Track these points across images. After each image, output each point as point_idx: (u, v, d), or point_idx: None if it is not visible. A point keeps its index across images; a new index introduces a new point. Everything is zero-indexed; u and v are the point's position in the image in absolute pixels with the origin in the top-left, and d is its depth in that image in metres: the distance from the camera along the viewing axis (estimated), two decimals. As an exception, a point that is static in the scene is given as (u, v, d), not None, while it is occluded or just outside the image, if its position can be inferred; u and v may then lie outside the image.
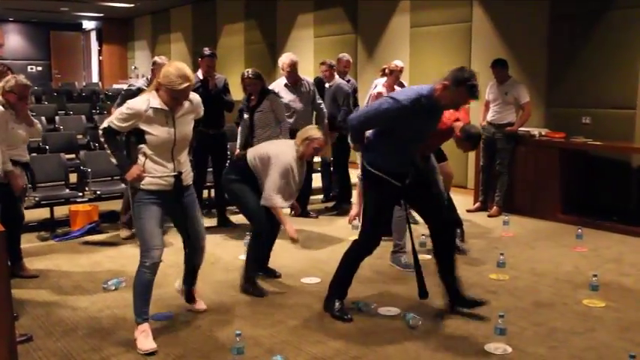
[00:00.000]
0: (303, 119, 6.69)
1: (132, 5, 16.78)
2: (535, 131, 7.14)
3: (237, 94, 6.71)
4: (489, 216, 7.09)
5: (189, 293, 4.14)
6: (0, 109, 4.57)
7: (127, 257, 5.43)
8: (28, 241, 5.72)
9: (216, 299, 4.37)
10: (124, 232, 6.02)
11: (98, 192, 6.38)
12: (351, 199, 7.33)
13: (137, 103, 3.52)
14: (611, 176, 6.98)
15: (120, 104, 4.31)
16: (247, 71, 6.05)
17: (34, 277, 4.90)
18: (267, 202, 4.38)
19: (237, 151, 6.42)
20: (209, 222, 6.40)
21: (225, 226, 6.54)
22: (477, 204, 7.43)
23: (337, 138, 7.06)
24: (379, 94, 6.86)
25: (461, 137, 4.90)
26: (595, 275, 4.66)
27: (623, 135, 6.84)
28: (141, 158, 3.59)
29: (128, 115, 3.50)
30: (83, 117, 10.77)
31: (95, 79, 21.65)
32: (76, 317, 4.11)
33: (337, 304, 4.07)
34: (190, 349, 3.61)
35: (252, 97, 6.10)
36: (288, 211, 4.46)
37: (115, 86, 17.48)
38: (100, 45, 21.15)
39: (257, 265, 4.59)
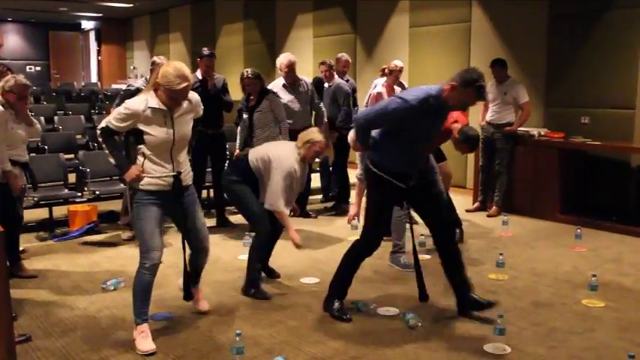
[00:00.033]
0: (302, 119, 6.69)
1: (131, 5, 16.77)
2: (534, 131, 7.14)
3: (236, 94, 6.71)
4: (488, 216, 7.09)
5: (193, 292, 4.10)
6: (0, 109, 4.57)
7: (125, 257, 5.43)
8: (26, 242, 5.72)
9: (216, 299, 4.36)
10: (126, 234, 6.00)
11: (97, 192, 6.38)
12: (349, 199, 7.33)
13: (135, 103, 3.50)
14: (611, 176, 6.98)
15: (119, 105, 4.30)
16: (247, 71, 6.05)
17: (33, 277, 4.90)
18: (271, 207, 4.36)
19: (237, 151, 6.42)
20: (208, 222, 6.31)
21: (224, 226, 6.54)
22: (476, 204, 7.43)
23: (337, 138, 7.05)
24: (379, 94, 6.86)
25: (459, 139, 4.90)
26: (594, 275, 4.66)
27: (622, 135, 6.85)
28: (139, 158, 3.57)
29: (126, 115, 3.48)
30: (82, 117, 10.77)
31: (94, 79, 21.64)
32: (74, 317, 4.10)
33: (337, 304, 4.07)
34: (190, 350, 3.61)
35: (252, 97, 6.10)
36: (287, 211, 4.44)
37: (114, 86, 17.47)
38: (99, 45, 21.14)
39: (260, 267, 4.58)
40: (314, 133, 4.56)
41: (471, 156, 7.68)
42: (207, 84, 6.24)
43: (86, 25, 21.71)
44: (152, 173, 3.56)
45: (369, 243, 4.03)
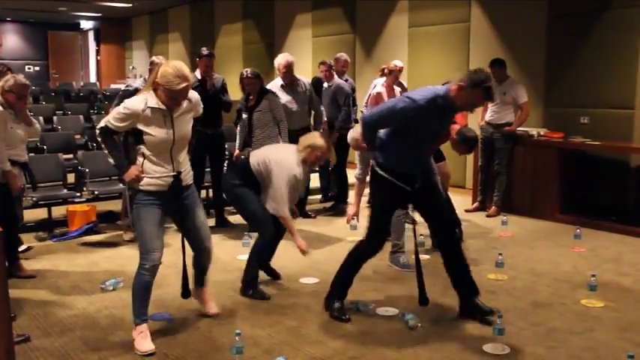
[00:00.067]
0: (300, 120, 6.69)
1: (130, 5, 16.76)
2: (533, 131, 7.14)
3: (235, 94, 6.70)
4: (488, 216, 7.09)
5: (200, 294, 4.09)
6: (-1, 109, 4.57)
7: (124, 257, 5.43)
8: (26, 242, 5.70)
9: (215, 300, 4.34)
10: (128, 235, 5.97)
11: (96, 192, 6.38)
12: (348, 199, 7.33)
13: (134, 103, 3.47)
14: (610, 176, 6.98)
15: (117, 105, 4.29)
16: (246, 71, 6.05)
17: (32, 277, 4.89)
18: (276, 212, 4.35)
19: (237, 151, 6.42)
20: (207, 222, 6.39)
21: (223, 226, 6.54)
22: (476, 204, 7.43)
23: (336, 138, 7.04)
24: (378, 94, 6.87)
25: (457, 140, 4.90)
26: (593, 275, 4.66)
27: (621, 135, 6.85)
28: (139, 159, 3.56)
29: (125, 114, 3.46)
30: (81, 117, 10.76)
31: (93, 79, 21.62)
32: (73, 317, 4.10)
33: (337, 304, 4.07)
34: (189, 350, 3.61)
35: (251, 97, 6.10)
36: (291, 216, 4.43)
37: (113, 86, 17.47)
38: (98, 45, 21.12)
39: (258, 269, 4.56)
40: (316, 138, 4.52)
41: (470, 156, 7.68)
42: (206, 84, 6.23)
43: (85, 24, 21.70)
44: (152, 173, 3.54)
45: (373, 244, 4.03)
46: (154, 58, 5.96)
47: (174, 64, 3.46)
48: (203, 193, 7.14)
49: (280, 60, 6.63)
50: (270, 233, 4.46)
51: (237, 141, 6.37)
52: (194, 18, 15.82)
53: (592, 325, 3.99)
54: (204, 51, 6.40)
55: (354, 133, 5.02)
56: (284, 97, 6.52)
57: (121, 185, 6.34)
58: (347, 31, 10.60)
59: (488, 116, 7.16)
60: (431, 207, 4.05)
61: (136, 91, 4.69)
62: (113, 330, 3.88)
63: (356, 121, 7.49)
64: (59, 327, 3.94)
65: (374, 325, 3.97)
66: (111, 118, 3.50)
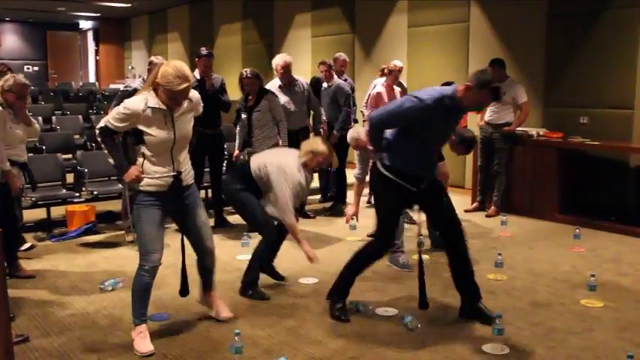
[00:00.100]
0: (298, 120, 6.69)
1: (129, 5, 16.75)
2: (533, 131, 7.14)
3: (234, 94, 6.70)
4: (487, 216, 7.09)
5: (208, 299, 4.03)
6: (-2, 109, 4.57)
7: (123, 258, 5.42)
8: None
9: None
10: (130, 236, 5.90)
11: (95, 192, 6.37)
12: (346, 199, 7.32)
13: (134, 103, 3.44)
14: (609, 176, 6.98)
15: (116, 106, 4.27)
16: (246, 71, 6.05)
17: (31, 277, 4.89)
18: (282, 220, 4.34)
19: (236, 151, 6.42)
20: (206, 222, 6.39)
21: (222, 226, 6.53)
22: (475, 204, 7.43)
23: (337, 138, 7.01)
24: (378, 94, 6.87)
25: (455, 141, 4.90)
26: (593, 275, 4.66)
27: (620, 135, 6.85)
28: (139, 159, 3.54)
29: (125, 115, 3.44)
30: (80, 117, 10.76)
31: (92, 79, 21.61)
32: (72, 318, 4.09)
33: (338, 303, 4.07)
34: (188, 350, 3.60)
35: (250, 97, 6.10)
36: (296, 223, 4.42)
37: (112, 86, 17.46)
38: (97, 45, 21.11)
39: (259, 272, 4.55)
40: (317, 144, 4.49)
41: (469, 156, 7.68)
42: (205, 84, 6.23)
43: (84, 24, 21.69)
44: (152, 174, 3.53)
45: (381, 245, 4.02)
46: (152, 58, 5.95)
47: (175, 64, 3.43)
48: (202, 193, 7.14)
49: (278, 61, 6.62)
50: (272, 236, 4.45)
51: (237, 141, 6.36)
52: (193, 18, 15.81)
53: (591, 325, 3.98)
54: (203, 51, 6.40)
55: (354, 132, 5.01)
56: (282, 98, 6.51)
57: (119, 185, 6.33)
58: (346, 31, 10.60)
59: (487, 116, 7.16)
60: (437, 208, 4.02)
61: (134, 92, 4.66)
62: (112, 330, 3.88)
63: (355, 121, 7.49)
64: (58, 327, 3.94)
65: (373, 326, 3.97)
66: (110, 118, 3.48)
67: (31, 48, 21.15)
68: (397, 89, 7.06)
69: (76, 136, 9.19)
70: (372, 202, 7.26)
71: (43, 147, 7.92)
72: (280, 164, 4.36)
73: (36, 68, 21.00)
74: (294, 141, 6.25)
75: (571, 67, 7.30)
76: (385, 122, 3.86)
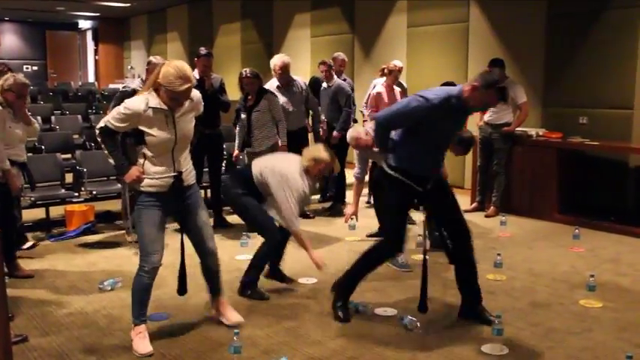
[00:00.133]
0: (297, 120, 6.69)
1: (128, 5, 16.76)
2: (532, 131, 7.13)
3: (233, 94, 6.69)
4: (487, 216, 7.08)
5: (217, 304, 3.98)
6: (-2, 108, 4.56)
7: (122, 257, 5.42)
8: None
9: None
10: (131, 237, 5.88)
11: (94, 192, 6.37)
12: (345, 199, 7.32)
13: (135, 103, 3.42)
14: (609, 176, 6.98)
15: (115, 106, 4.26)
16: (245, 70, 6.04)
17: (30, 277, 4.88)
18: (289, 228, 4.34)
19: (236, 151, 6.41)
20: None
21: (221, 226, 6.52)
22: (475, 204, 7.43)
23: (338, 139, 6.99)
24: (378, 94, 6.88)
25: (453, 141, 4.89)
26: (592, 275, 4.66)
27: (620, 135, 6.85)
28: (140, 160, 3.53)
29: (126, 115, 3.42)
30: (79, 117, 10.76)
31: (91, 78, 21.63)
32: (71, 317, 4.09)
33: (339, 301, 4.06)
34: (187, 350, 3.60)
35: (250, 97, 6.09)
36: (301, 230, 4.42)
37: (112, 86, 17.47)
38: (96, 44, 21.12)
39: (259, 273, 4.55)
40: (320, 151, 4.46)
41: (468, 156, 7.67)
42: (205, 84, 6.21)
43: (83, 24, 21.69)
44: (152, 175, 3.51)
45: (392, 246, 4.00)
46: (151, 58, 5.94)
47: (176, 64, 3.41)
48: (201, 193, 7.13)
49: (276, 61, 6.61)
50: (275, 239, 4.45)
51: (237, 141, 6.36)
52: (192, 18, 15.82)
53: (590, 325, 3.98)
54: (203, 51, 6.39)
55: (354, 132, 5.02)
56: (280, 99, 6.50)
57: (119, 185, 6.32)
58: (346, 31, 10.59)
59: (487, 116, 7.16)
60: (444, 208, 4.01)
61: (133, 92, 4.67)
62: (111, 330, 3.87)
63: (355, 121, 7.49)
64: (57, 327, 3.93)
65: (372, 326, 3.96)
66: (111, 119, 3.46)
67: (30, 48, 21.16)
68: (397, 89, 7.06)
69: (75, 136, 9.19)
70: (372, 202, 7.27)
71: (42, 147, 7.92)
72: (282, 171, 4.34)
73: (35, 68, 21.02)
74: (293, 141, 6.26)
75: (571, 67, 7.30)
76: (391, 122, 3.86)
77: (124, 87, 6.43)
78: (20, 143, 4.98)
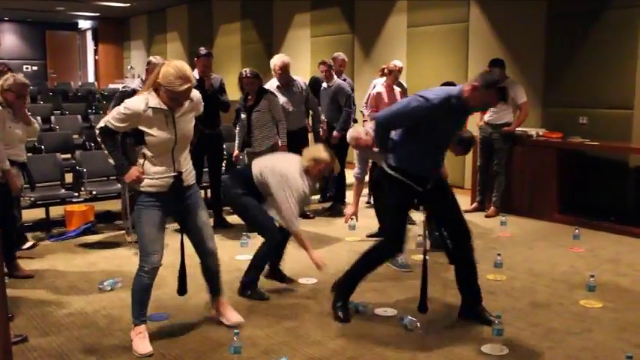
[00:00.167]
0: (297, 120, 6.68)
1: (128, 5, 16.76)
2: (532, 131, 7.13)
3: (233, 94, 6.69)
4: (487, 216, 7.08)
5: (217, 305, 3.98)
6: (-3, 108, 4.56)
7: (122, 257, 5.42)
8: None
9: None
10: (131, 237, 5.86)
11: (94, 192, 6.36)
12: (345, 199, 7.32)
13: (135, 103, 3.42)
14: (609, 176, 6.98)
15: (114, 106, 4.25)
16: (245, 70, 6.04)
17: (30, 277, 4.88)
18: (289, 229, 4.33)
19: (236, 151, 6.41)
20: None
21: (221, 226, 6.51)
22: (475, 204, 7.43)
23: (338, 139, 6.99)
24: (378, 94, 6.87)
25: (453, 141, 4.89)
26: (592, 276, 4.66)
27: (620, 135, 6.84)
28: (140, 160, 3.52)
29: (125, 115, 3.41)
30: (79, 117, 10.76)
31: (91, 78, 21.62)
32: (71, 317, 4.09)
33: (340, 302, 4.06)
34: (187, 350, 3.60)
35: (250, 97, 6.09)
36: (302, 230, 4.42)
37: (111, 86, 17.46)
38: (96, 44, 21.12)
39: (259, 273, 4.54)
40: (320, 151, 4.46)
41: (468, 156, 7.67)
42: (205, 84, 6.21)
43: (83, 24, 21.69)
44: (152, 175, 3.51)
45: (392, 245, 4.00)
46: (151, 58, 5.94)
47: (176, 64, 3.40)
48: (201, 193, 7.13)
49: (276, 61, 6.61)
50: (275, 239, 4.45)
51: (237, 141, 6.35)
52: (192, 18, 15.82)
53: (590, 325, 3.98)
54: (203, 51, 6.39)
55: (354, 132, 5.01)
56: (280, 99, 6.50)
57: (119, 185, 6.32)
58: (345, 31, 10.59)
59: (487, 116, 7.15)
60: (444, 208, 4.00)
61: (133, 92, 4.66)
62: (111, 330, 3.87)
63: (355, 121, 7.48)
64: (57, 327, 3.93)
65: (372, 326, 3.96)
66: (111, 118, 3.45)
67: (30, 48, 21.16)
68: (397, 89, 7.06)
69: (75, 136, 9.19)
70: (372, 202, 7.26)
71: (42, 147, 7.92)
72: (282, 171, 4.34)
73: (35, 68, 21.01)
74: (293, 141, 6.25)
75: (571, 67, 7.30)
76: (391, 122, 3.85)
77: (123, 87, 6.43)
78: (20, 143, 4.98)
